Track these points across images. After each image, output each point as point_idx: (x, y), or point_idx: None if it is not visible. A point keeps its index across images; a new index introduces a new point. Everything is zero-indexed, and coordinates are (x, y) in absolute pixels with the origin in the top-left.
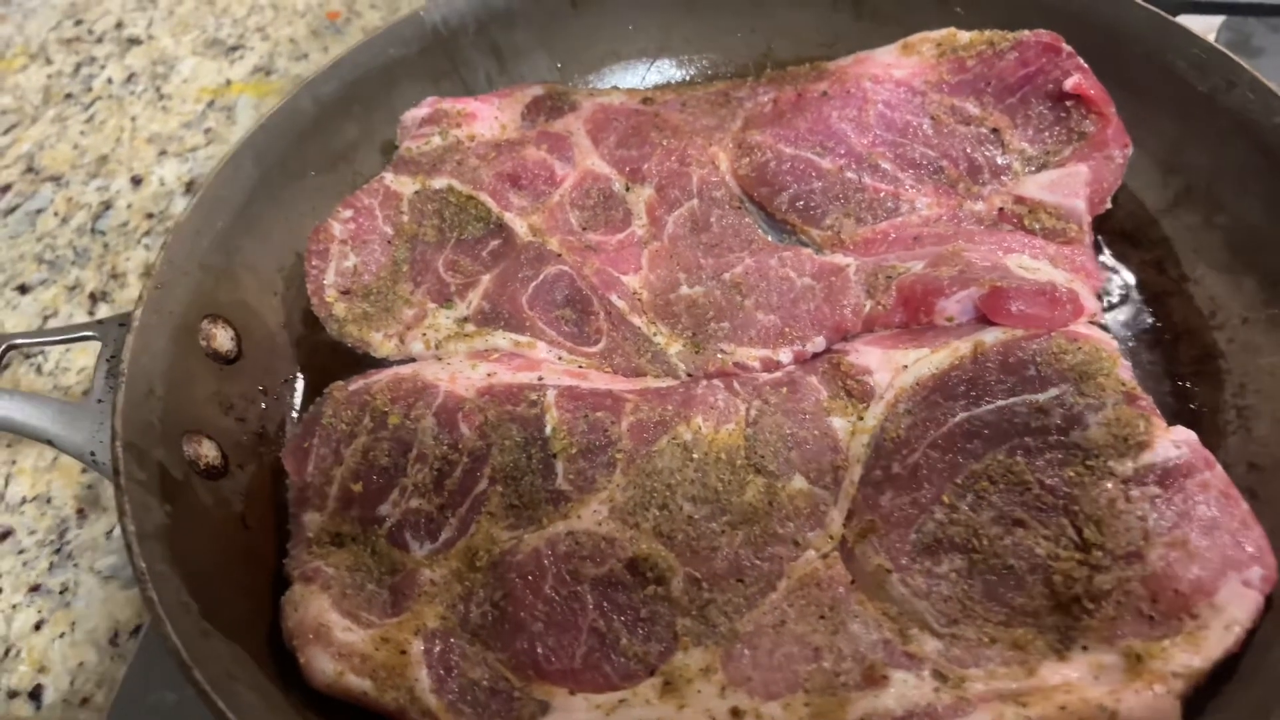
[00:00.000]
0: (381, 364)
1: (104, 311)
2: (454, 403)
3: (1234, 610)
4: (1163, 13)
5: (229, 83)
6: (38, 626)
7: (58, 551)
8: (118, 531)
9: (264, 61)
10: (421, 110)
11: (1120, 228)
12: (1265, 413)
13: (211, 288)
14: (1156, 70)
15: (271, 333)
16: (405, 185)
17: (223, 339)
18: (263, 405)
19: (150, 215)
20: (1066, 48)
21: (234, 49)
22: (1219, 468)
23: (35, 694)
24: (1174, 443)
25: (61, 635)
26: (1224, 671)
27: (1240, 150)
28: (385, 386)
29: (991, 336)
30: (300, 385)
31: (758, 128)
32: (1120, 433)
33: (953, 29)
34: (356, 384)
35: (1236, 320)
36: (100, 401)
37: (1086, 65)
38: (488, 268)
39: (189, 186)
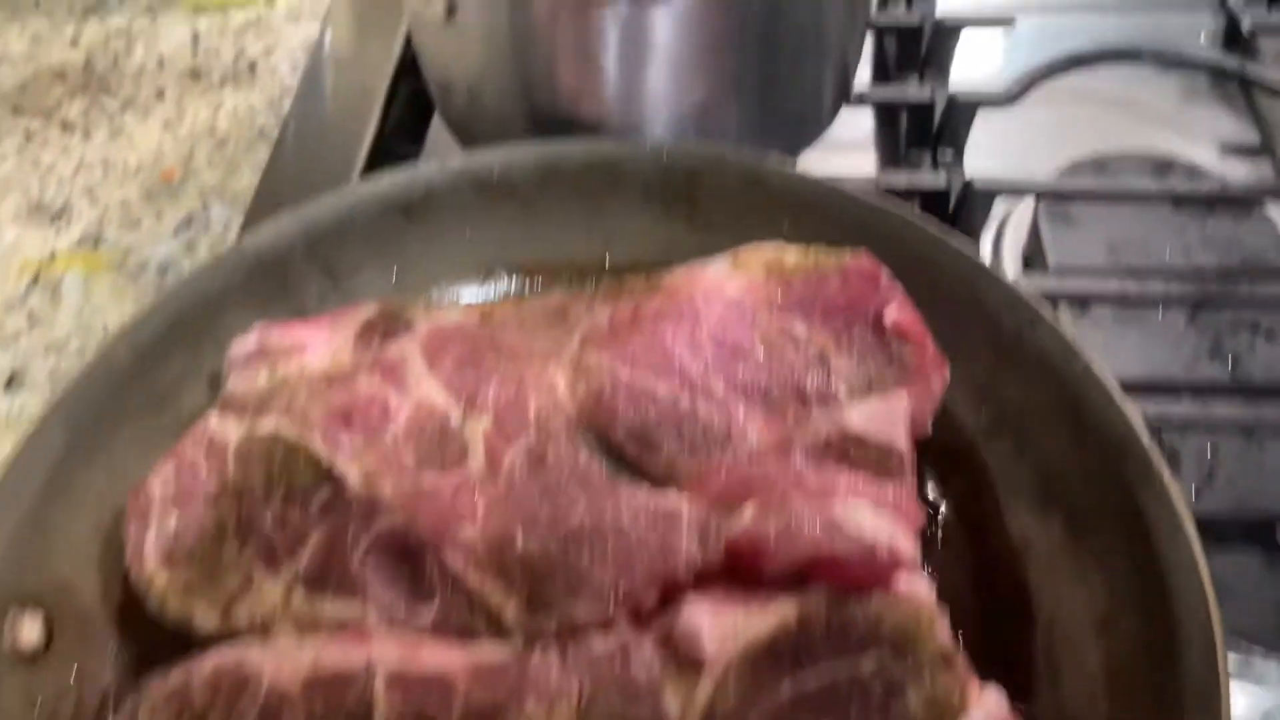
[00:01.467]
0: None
1: None
2: (276, 700)
3: None
4: (970, 255)
5: (53, 255)
6: None
7: None
8: None
9: (92, 229)
10: (249, 344)
11: (941, 449)
12: (1069, 662)
13: (17, 572)
14: (969, 302)
15: (87, 608)
16: (230, 431)
17: (29, 631)
18: (75, 697)
19: None
20: (885, 277)
21: (59, 215)
22: None
23: None
24: (985, 714)
25: None
26: None
27: (1044, 390)
28: (205, 683)
29: (816, 597)
30: (121, 660)
31: (595, 347)
32: (937, 705)
33: (780, 246)
34: (175, 679)
35: (1044, 556)
36: None
37: (905, 294)
38: (316, 523)
39: (10, 381)
